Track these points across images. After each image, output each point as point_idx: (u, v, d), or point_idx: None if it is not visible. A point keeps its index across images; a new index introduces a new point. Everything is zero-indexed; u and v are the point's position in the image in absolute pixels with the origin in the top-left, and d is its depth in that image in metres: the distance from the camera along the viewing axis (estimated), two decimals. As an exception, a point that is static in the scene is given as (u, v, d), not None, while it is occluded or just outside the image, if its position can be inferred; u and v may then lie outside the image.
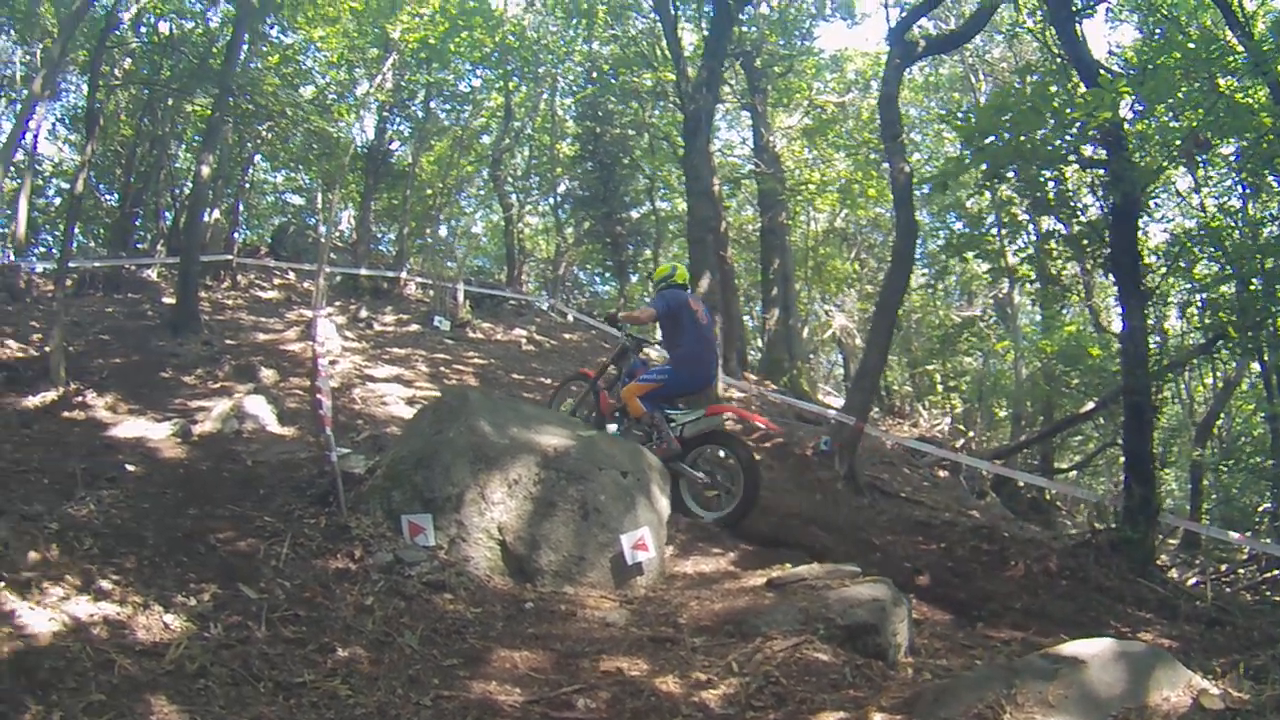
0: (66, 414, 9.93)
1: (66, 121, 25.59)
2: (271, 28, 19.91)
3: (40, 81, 11.01)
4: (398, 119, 25.10)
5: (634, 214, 26.64)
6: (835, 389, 26.57)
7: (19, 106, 22.10)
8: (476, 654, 5.04)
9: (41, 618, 5.17)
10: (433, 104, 24.96)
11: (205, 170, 15.74)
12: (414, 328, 17.89)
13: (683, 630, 5.47)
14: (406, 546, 6.38)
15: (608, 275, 29.58)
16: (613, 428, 8.76)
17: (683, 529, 8.02)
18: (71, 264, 14.78)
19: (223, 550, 6.48)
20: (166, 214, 23.64)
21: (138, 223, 23.21)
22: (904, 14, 14.18)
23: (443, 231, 30.89)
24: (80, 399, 10.68)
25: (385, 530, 6.62)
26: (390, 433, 10.26)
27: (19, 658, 4.65)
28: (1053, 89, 11.18)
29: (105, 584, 5.78)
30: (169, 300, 17.12)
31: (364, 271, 22.77)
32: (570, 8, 21.36)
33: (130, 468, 8.32)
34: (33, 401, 10.20)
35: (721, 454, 8.39)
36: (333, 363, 13.53)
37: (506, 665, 4.91)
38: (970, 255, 13.94)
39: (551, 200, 28.31)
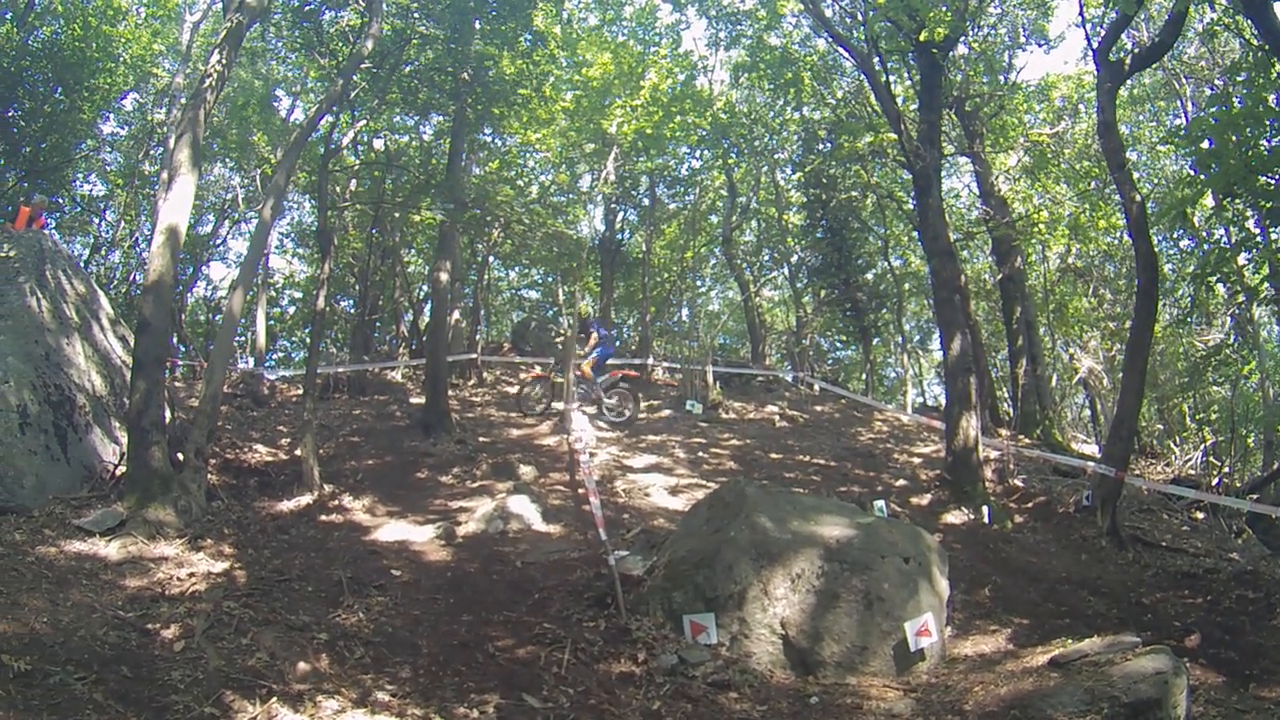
0: (324, 518, 10.57)
1: (293, 237, 28.69)
2: (486, 136, 21.54)
3: (269, 208, 12.35)
4: (625, 208, 27.38)
5: (869, 276, 27.54)
6: (1084, 434, 26.37)
7: (244, 226, 26.05)
8: None
9: None
10: (658, 190, 26.73)
11: (443, 276, 16.84)
12: (666, 413, 18.60)
13: (968, 718, 5.69)
14: (689, 646, 6.83)
15: (850, 341, 30.29)
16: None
17: (959, 608, 8.18)
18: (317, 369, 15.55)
19: (502, 658, 6.75)
20: (405, 317, 25.78)
21: (376, 327, 25.33)
22: (1104, 34, 14.05)
23: (683, 313, 32.52)
24: (336, 502, 11.10)
25: (667, 631, 7.07)
26: (658, 526, 10.44)
27: (290, 780, 4.72)
28: (1260, 81, 10.83)
29: (382, 695, 5.97)
30: (416, 400, 18.24)
31: (611, 361, 23.31)
32: (774, 78, 22.11)
33: (396, 573, 8.69)
34: (287, 506, 10.81)
35: (623, 389, 17.30)
36: (591, 455, 13.74)
37: (797, 764, 4.95)
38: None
39: (786, 271, 29.46)
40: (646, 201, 26.66)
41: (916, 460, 15.92)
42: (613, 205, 26.08)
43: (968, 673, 6.79)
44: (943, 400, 28.07)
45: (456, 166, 17.37)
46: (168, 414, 10.96)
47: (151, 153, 24.14)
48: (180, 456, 10.11)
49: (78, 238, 25.38)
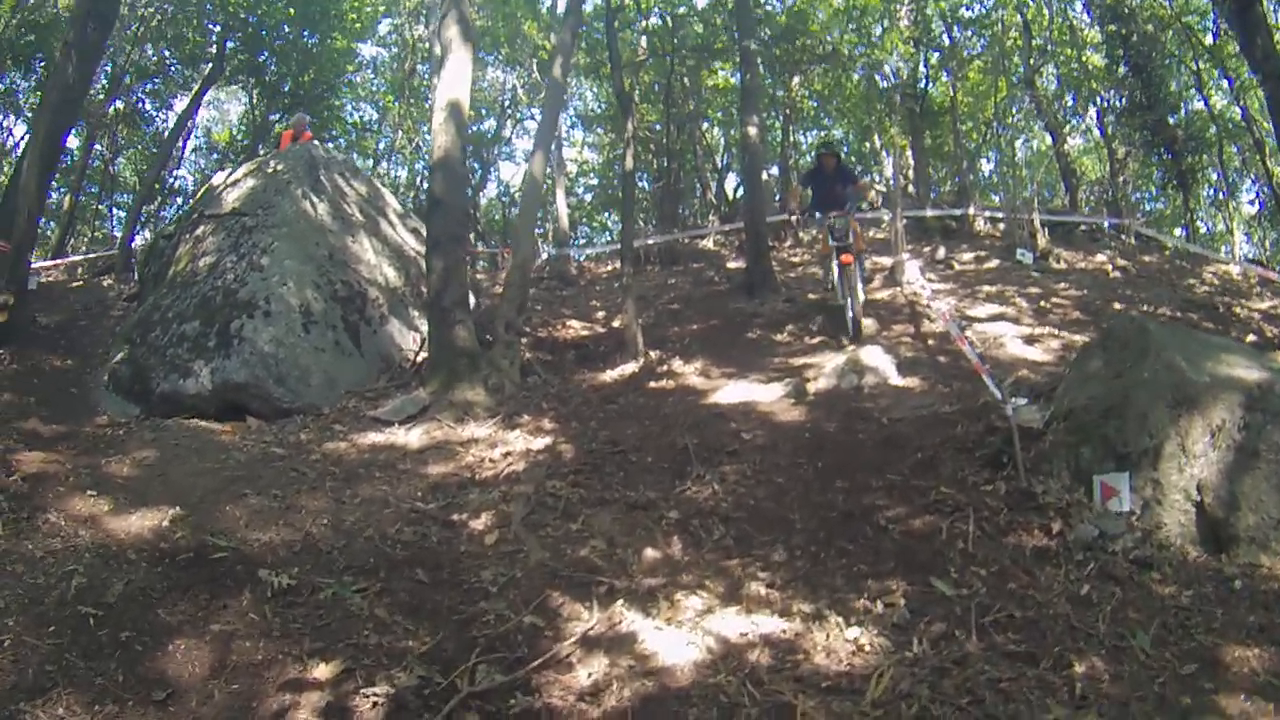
0: (653, 384, 9.23)
1: (581, 124, 28.66)
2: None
3: (559, 67, 11.69)
4: (925, 51, 25.53)
5: (1172, 119, 23.99)
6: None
7: (527, 125, 26.31)
8: (1209, 655, 4.18)
9: (676, 641, 4.03)
10: (955, 32, 25.35)
11: (752, 130, 15.49)
12: (993, 264, 17.32)
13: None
14: (1101, 514, 5.67)
15: (1165, 190, 27.01)
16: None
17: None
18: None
19: (895, 531, 5.44)
20: (701, 185, 25.24)
21: (680, 196, 24.73)
22: None
23: (985, 165, 30.75)
24: (665, 367, 10.10)
25: (1079, 495, 5.78)
26: (1024, 377, 8.69)
27: (649, 705, 3.53)
28: None
29: (756, 587, 4.63)
30: (733, 265, 17.51)
31: (929, 213, 22.41)
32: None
33: (747, 436, 7.15)
34: (611, 375, 9.73)
35: None
36: (927, 306, 12.38)
37: (1245, 670, 4.04)
38: None
39: (1094, 114, 26.77)
40: (947, 44, 25.01)
41: (1256, 315, 13.75)
42: (912, 51, 24.06)
43: None
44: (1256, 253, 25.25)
45: (745, 14, 16.07)
46: (472, 300, 10.46)
47: (417, 68, 24.65)
48: (489, 338, 9.35)
49: (356, 156, 26.13)
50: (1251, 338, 11.50)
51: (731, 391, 8.79)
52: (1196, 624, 4.45)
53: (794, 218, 13.77)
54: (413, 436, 7.07)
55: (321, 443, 6.88)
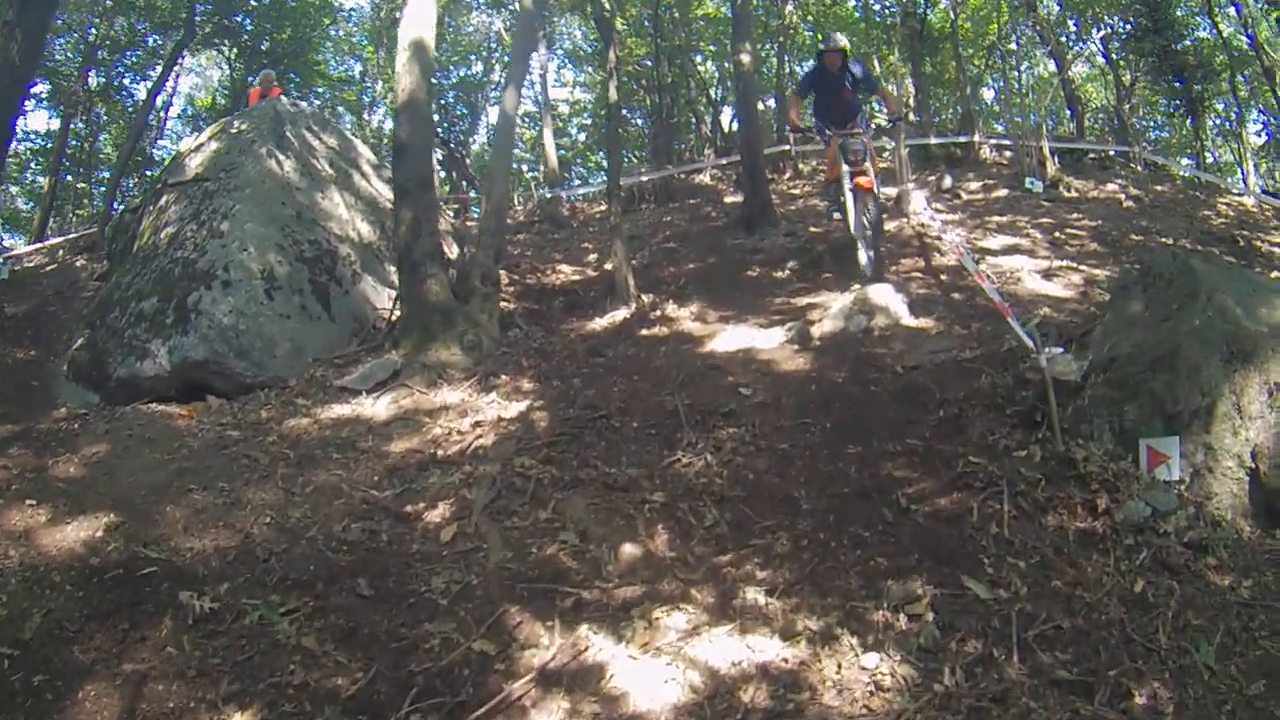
0: (645, 331, 8.65)
1: (571, 64, 28.20)
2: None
3: None
4: None
5: (1179, 47, 23.51)
6: None
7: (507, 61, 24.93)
8: (1275, 667, 3.60)
9: (652, 675, 3.42)
10: None
11: (745, 58, 14.62)
12: (1002, 192, 16.56)
13: None
14: (1148, 486, 5.02)
15: (1172, 119, 26.38)
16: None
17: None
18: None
19: (919, 513, 4.74)
20: (695, 120, 24.61)
21: (675, 131, 24.30)
22: None
23: (987, 94, 29.94)
24: (658, 312, 9.36)
25: (1125, 464, 5.09)
26: (1049, 316, 8.02)
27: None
28: None
29: (753, 595, 3.99)
30: (731, 200, 16.84)
31: (934, 140, 21.71)
32: None
33: (746, 391, 6.47)
34: (600, 324, 9.15)
35: None
36: (937, 238, 11.60)
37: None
38: None
39: (1098, 40, 25.84)
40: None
41: (1278, 250, 13.19)
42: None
43: None
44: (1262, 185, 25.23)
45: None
46: (455, 250, 10.01)
47: (396, 16, 24.02)
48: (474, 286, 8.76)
49: (342, 110, 26.13)
50: (1276, 274, 10.66)
51: (729, 338, 8.14)
52: (1260, 625, 3.92)
53: (792, 139, 12.75)
54: (380, 406, 6.49)
55: (282, 420, 6.29)
